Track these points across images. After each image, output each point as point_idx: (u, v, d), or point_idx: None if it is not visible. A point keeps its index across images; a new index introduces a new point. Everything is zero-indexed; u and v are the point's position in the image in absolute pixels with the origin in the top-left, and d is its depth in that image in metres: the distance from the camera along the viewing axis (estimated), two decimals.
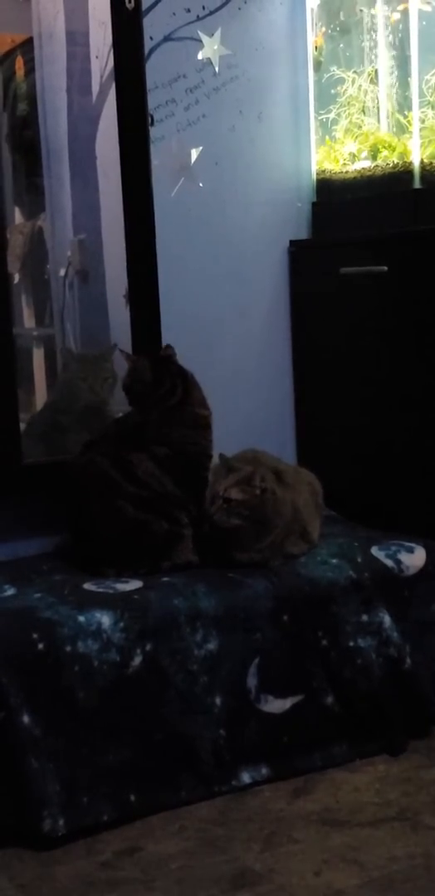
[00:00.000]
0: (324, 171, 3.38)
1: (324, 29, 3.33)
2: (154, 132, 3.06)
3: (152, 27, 3.07)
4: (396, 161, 3.16)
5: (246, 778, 2.45)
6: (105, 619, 2.39)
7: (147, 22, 3.01)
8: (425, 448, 3.00)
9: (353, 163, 3.29)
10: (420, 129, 3.09)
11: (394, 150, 3.18)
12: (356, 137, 3.29)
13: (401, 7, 3.13)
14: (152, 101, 3.04)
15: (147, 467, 2.67)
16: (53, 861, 2.19)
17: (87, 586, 2.55)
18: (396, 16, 3.15)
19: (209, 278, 3.25)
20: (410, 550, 2.77)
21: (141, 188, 2.99)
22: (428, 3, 3.04)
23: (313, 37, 3.35)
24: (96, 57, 3.17)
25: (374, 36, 3.24)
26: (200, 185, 3.22)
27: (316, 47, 3.36)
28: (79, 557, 2.73)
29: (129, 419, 2.83)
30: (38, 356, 3.36)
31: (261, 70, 3.29)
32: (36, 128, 3.31)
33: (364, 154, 3.26)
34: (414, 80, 3.08)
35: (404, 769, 2.50)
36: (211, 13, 3.19)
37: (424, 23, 3.06)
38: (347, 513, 3.13)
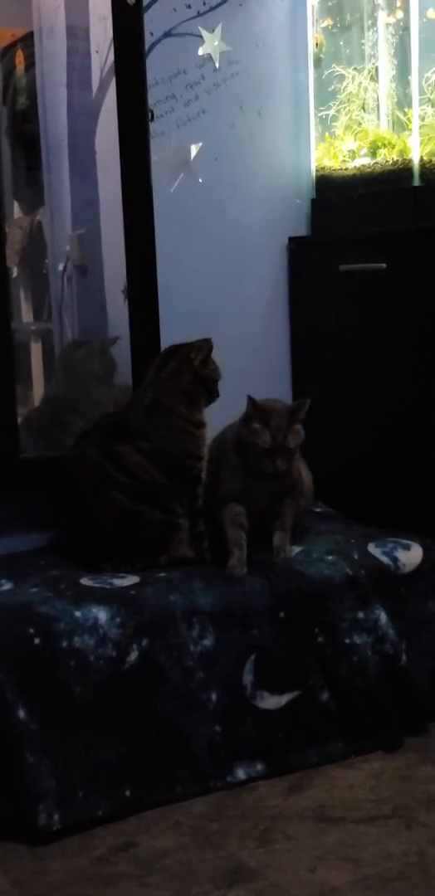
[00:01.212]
0: (323, 168, 3.37)
1: (327, 21, 3.32)
2: (154, 127, 3.06)
3: (153, 22, 3.06)
4: (395, 158, 3.16)
5: (241, 774, 2.45)
6: (101, 615, 2.39)
7: (148, 17, 3.01)
8: (423, 445, 3.00)
9: (352, 160, 3.29)
10: (420, 127, 3.09)
11: (393, 147, 3.18)
12: (356, 134, 3.29)
13: (400, 3, 3.13)
14: (152, 96, 3.04)
15: (135, 459, 2.68)
16: (48, 856, 2.19)
17: (84, 581, 2.55)
18: (399, 14, 3.15)
19: (208, 274, 3.25)
20: (407, 548, 2.77)
21: (140, 184, 2.99)
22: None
23: (314, 33, 3.35)
24: (96, 52, 3.16)
25: (374, 33, 3.23)
26: (200, 180, 3.22)
27: (316, 44, 3.35)
28: (74, 551, 2.73)
29: (119, 413, 2.84)
30: (36, 350, 3.36)
31: (261, 66, 3.29)
32: (36, 122, 3.31)
33: (364, 151, 3.26)
34: (414, 78, 3.08)
35: (399, 766, 2.50)
36: (212, 9, 3.18)
37: (424, 20, 3.06)
38: (344, 509, 3.13)
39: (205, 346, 2.75)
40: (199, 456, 2.75)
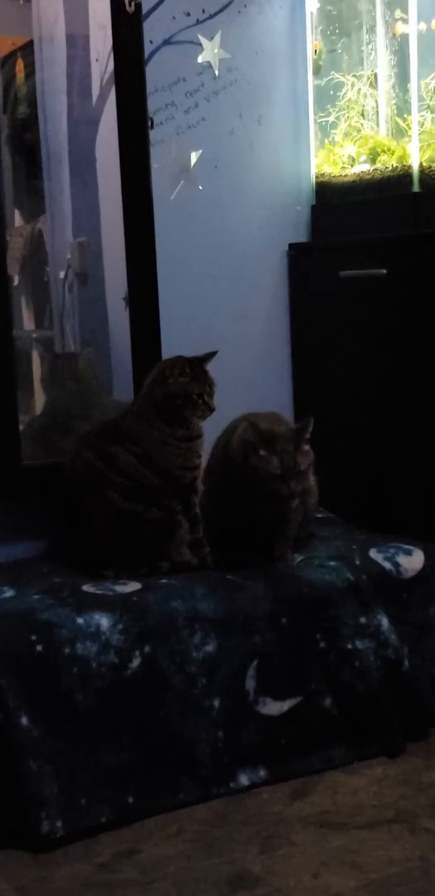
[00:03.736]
0: (323, 175, 3.38)
1: (321, 28, 3.34)
2: (154, 135, 3.07)
3: (152, 31, 3.07)
4: (395, 164, 3.17)
5: (244, 780, 2.45)
6: (104, 621, 2.39)
7: (147, 25, 3.02)
8: (424, 451, 3.01)
9: (352, 166, 3.30)
10: (419, 133, 3.10)
11: (393, 153, 3.18)
12: (355, 141, 3.30)
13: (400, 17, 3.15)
14: (152, 104, 3.05)
15: (127, 460, 2.67)
16: (51, 863, 2.19)
17: (86, 588, 2.55)
18: (398, 22, 3.16)
19: (209, 281, 3.26)
20: (409, 553, 2.77)
21: (141, 191, 3.00)
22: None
23: (313, 40, 3.36)
24: (96, 60, 3.17)
25: (373, 40, 3.25)
26: (200, 188, 3.23)
27: (315, 51, 3.36)
28: (76, 556, 2.73)
29: (114, 418, 2.85)
30: (37, 358, 3.37)
31: (260, 73, 3.30)
32: (36, 130, 3.32)
33: (363, 157, 3.27)
34: (413, 84, 3.09)
35: (402, 772, 2.50)
36: (211, 17, 3.19)
37: (422, 27, 3.07)
38: (345, 515, 3.13)
39: (179, 362, 2.69)
40: (188, 466, 2.71)
